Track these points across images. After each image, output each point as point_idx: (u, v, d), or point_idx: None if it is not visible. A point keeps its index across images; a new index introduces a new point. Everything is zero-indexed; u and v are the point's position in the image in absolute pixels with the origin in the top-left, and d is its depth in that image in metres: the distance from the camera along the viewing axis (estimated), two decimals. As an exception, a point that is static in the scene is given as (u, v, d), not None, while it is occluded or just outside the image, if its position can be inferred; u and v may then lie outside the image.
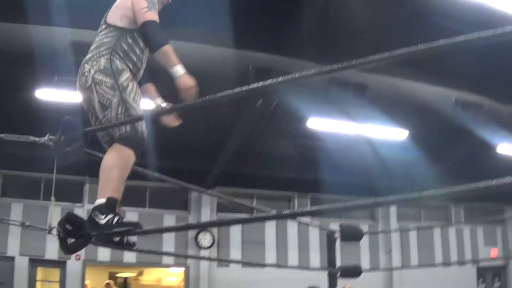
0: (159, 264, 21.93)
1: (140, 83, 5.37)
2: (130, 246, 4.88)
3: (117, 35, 5.05)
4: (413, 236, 25.23)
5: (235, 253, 22.34)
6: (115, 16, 5.16)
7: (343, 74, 14.64)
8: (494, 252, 26.43)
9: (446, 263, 25.15)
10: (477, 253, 26.29)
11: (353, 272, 11.33)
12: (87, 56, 5.07)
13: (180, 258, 22.15)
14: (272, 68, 14.80)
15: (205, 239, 21.98)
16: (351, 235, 11.18)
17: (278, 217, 9.22)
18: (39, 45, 13.18)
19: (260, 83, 4.18)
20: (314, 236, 23.53)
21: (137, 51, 5.08)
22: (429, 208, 25.77)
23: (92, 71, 4.90)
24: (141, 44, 5.11)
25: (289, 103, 16.76)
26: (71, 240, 4.65)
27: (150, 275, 25.05)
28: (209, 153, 20.37)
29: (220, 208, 22.83)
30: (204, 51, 14.38)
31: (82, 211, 19.89)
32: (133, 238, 4.83)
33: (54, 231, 4.72)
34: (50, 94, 15.29)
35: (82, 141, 5.01)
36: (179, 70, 4.84)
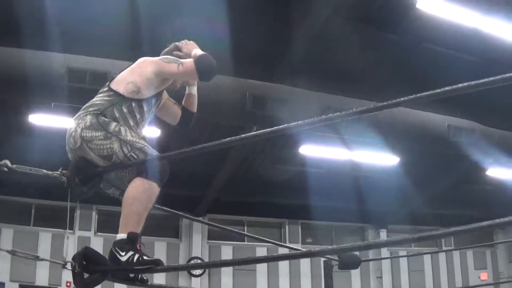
0: (150, 293, 21.78)
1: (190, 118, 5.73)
2: (142, 283, 4.79)
3: (112, 101, 4.99)
4: (403, 261, 25.23)
5: (227, 280, 22.24)
6: (122, 81, 5.11)
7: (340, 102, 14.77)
8: (484, 275, 26.49)
9: (437, 289, 25.18)
10: (467, 277, 26.31)
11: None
12: (75, 115, 5.01)
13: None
14: (267, 95, 14.87)
15: (196, 266, 21.92)
16: (349, 263, 11.04)
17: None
18: (34, 70, 13.14)
19: (294, 124, 4.19)
20: (305, 263, 23.48)
21: (131, 122, 5.01)
22: (420, 233, 25.74)
23: (79, 130, 4.82)
24: (138, 116, 5.08)
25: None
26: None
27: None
28: (201, 181, 20.38)
29: (211, 235, 22.76)
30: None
31: (73, 238, 19.76)
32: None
33: (69, 265, 4.61)
34: (45, 120, 15.25)
35: (97, 179, 4.97)
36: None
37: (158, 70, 5.09)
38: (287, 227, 24.35)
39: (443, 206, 23.14)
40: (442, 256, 26.16)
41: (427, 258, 25.83)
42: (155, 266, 4.50)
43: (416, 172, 20.56)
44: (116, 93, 5.01)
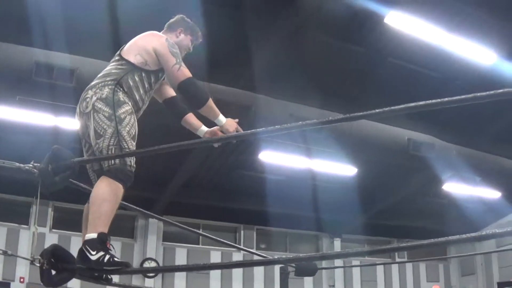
0: (103, 293, 21.58)
1: (179, 116, 5.70)
2: (107, 282, 4.89)
3: (126, 70, 5.19)
4: (356, 271, 25.39)
5: (180, 282, 22.19)
6: (130, 52, 5.32)
7: (303, 111, 14.89)
8: (436, 288, 26.83)
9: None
10: (419, 289, 26.59)
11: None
12: (92, 83, 5.18)
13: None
14: (231, 100, 14.90)
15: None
16: (305, 270, 11.07)
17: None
18: (0, 63, 13.02)
19: (258, 130, 4.31)
20: (259, 268, 23.54)
21: (141, 90, 5.23)
22: (373, 243, 25.99)
23: (94, 98, 4.98)
24: (146, 85, 5.28)
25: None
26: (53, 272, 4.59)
27: (91, 302, 24.57)
28: (158, 182, 20.29)
29: (166, 237, 22.70)
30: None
31: (28, 233, 19.55)
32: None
33: (37, 262, 4.61)
34: (9, 113, 14.97)
35: (70, 171, 4.98)
36: (222, 119, 5.42)
37: (159, 51, 5.31)
38: (242, 232, 24.35)
39: (397, 218, 23.41)
40: (395, 268, 26.38)
41: (380, 269, 26.04)
42: (124, 267, 4.58)
43: (373, 183, 20.80)
44: (128, 62, 5.25)
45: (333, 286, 24.87)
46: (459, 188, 21.69)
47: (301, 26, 13.59)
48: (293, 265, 10.13)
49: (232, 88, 15.04)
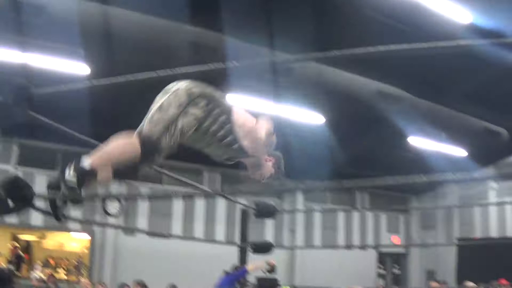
0: (66, 229, 21.53)
1: None
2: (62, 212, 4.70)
3: (210, 112, 4.74)
4: (317, 217, 25.66)
5: (142, 222, 22.26)
6: (240, 113, 4.95)
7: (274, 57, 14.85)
8: (395, 239, 27.19)
9: (348, 246, 25.72)
10: (379, 238, 26.98)
11: (264, 248, 11.27)
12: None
13: (87, 224, 21.86)
14: (204, 42, 14.82)
15: (112, 206, 21.75)
16: (265, 212, 11.09)
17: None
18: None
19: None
20: (221, 210, 23.72)
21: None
22: (335, 191, 26.21)
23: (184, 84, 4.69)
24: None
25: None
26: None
27: (53, 239, 24.52)
28: (121, 121, 20.08)
29: (129, 175, 22.69)
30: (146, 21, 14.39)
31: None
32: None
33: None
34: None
35: (30, 102, 4.84)
36: None
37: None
38: (206, 174, 24.40)
39: (361, 168, 23.54)
40: (356, 217, 26.72)
41: (341, 217, 26.36)
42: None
43: (340, 133, 20.81)
44: (224, 106, 4.87)
45: (294, 230, 25.12)
46: (425, 143, 21.88)
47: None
48: (253, 206, 10.14)
49: (207, 31, 14.94)
